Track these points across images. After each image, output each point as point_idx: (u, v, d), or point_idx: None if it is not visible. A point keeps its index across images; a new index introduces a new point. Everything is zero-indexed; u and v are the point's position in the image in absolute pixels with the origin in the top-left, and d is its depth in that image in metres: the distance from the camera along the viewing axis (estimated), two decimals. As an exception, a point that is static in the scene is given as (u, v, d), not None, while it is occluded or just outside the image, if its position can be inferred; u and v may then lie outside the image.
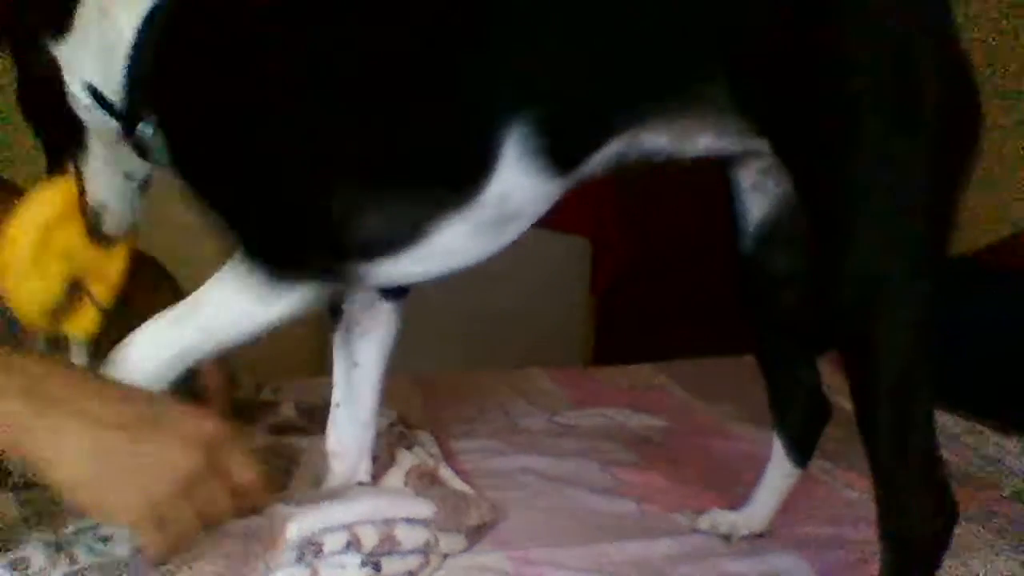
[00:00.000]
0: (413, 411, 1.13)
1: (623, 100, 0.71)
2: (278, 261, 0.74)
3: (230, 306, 0.73)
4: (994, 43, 1.83)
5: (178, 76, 0.75)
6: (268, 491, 0.71)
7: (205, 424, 0.69)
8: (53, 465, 0.62)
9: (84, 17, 0.76)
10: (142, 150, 0.78)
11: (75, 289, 0.80)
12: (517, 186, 0.73)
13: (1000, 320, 1.42)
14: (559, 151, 0.72)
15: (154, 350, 0.73)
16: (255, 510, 0.70)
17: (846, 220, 0.64)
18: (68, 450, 0.62)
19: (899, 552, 0.67)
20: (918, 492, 0.65)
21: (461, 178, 0.73)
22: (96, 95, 0.77)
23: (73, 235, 0.78)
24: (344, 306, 0.87)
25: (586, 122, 0.72)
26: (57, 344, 0.93)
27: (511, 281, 1.99)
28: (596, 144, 0.73)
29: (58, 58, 0.77)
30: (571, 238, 2.19)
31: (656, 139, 0.73)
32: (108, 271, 0.83)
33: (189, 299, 0.74)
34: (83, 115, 0.78)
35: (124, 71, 0.75)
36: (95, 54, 0.76)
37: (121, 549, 0.72)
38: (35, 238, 0.76)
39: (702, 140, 0.74)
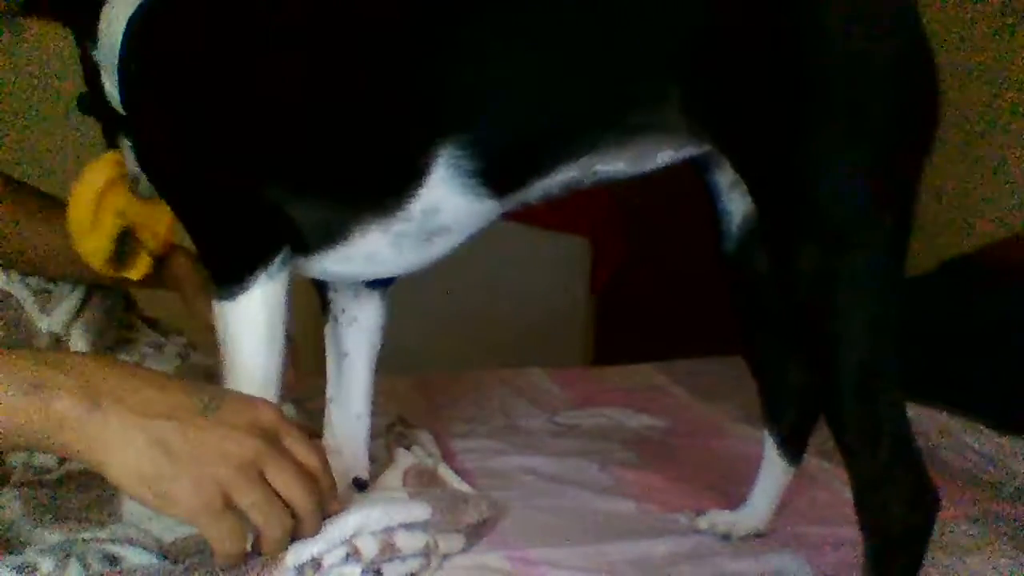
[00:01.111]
0: (413, 411, 1.13)
1: (564, 131, 0.71)
2: (219, 258, 0.78)
3: (230, 325, 0.77)
4: (994, 48, 1.83)
5: (134, 74, 0.78)
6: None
7: (262, 410, 0.69)
8: (109, 461, 0.62)
9: (105, 22, 0.80)
10: None
11: (130, 240, 0.94)
12: (446, 203, 0.73)
13: (1000, 320, 1.42)
14: (494, 176, 0.72)
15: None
16: (324, 495, 0.70)
17: (800, 218, 0.64)
18: (123, 444, 0.62)
19: (880, 545, 0.66)
20: (893, 482, 0.65)
21: (383, 189, 0.74)
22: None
23: (122, 196, 0.91)
24: (330, 295, 0.88)
25: (522, 150, 0.72)
26: (59, 341, 0.94)
27: (511, 281, 2.00)
28: (536, 172, 0.73)
29: (97, 61, 0.82)
30: (571, 238, 2.19)
31: (611, 164, 0.73)
32: (156, 223, 0.95)
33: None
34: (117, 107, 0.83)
35: (116, 73, 0.79)
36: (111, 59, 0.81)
37: (136, 557, 0.72)
38: (91, 200, 0.90)
39: (661, 156, 0.74)
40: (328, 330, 0.89)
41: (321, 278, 0.85)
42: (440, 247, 0.77)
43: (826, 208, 0.63)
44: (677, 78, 0.67)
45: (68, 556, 0.69)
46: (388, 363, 0.91)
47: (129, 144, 0.85)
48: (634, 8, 0.68)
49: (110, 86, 0.81)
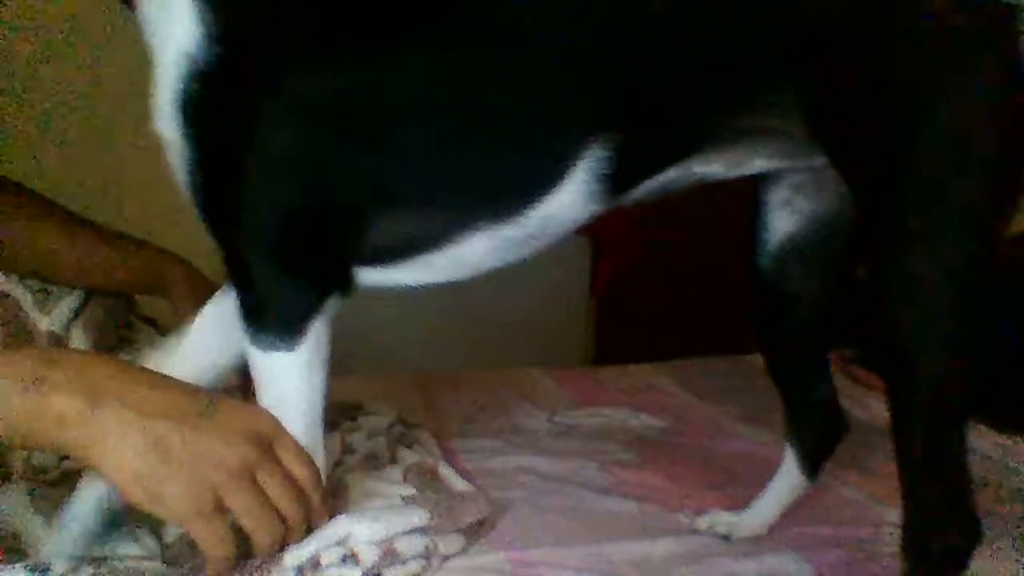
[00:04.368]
0: (413, 411, 1.13)
1: (696, 122, 0.71)
2: (280, 303, 0.70)
3: (280, 383, 0.71)
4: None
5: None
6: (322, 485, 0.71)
7: (257, 417, 0.69)
8: (105, 460, 0.62)
9: None
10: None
11: None
12: (564, 208, 0.72)
13: (1000, 320, 1.42)
14: (617, 178, 0.71)
15: None
16: (311, 507, 0.70)
17: (898, 232, 0.64)
18: (119, 444, 0.62)
19: (918, 564, 0.66)
20: (944, 507, 0.65)
21: (519, 195, 0.71)
22: None
23: None
24: None
25: (649, 150, 0.71)
26: (59, 341, 0.94)
27: (511, 281, 1.99)
28: (650, 172, 0.72)
29: None
30: (571, 238, 2.19)
31: (709, 166, 0.73)
32: None
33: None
34: None
35: None
36: None
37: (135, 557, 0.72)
38: None
39: (757, 162, 0.74)
40: None
41: (382, 289, 0.77)
42: (527, 251, 0.76)
43: (928, 225, 0.63)
44: (793, 82, 0.67)
45: (81, 558, 0.69)
46: (388, 363, 0.91)
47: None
48: (754, 7, 0.68)
49: None
